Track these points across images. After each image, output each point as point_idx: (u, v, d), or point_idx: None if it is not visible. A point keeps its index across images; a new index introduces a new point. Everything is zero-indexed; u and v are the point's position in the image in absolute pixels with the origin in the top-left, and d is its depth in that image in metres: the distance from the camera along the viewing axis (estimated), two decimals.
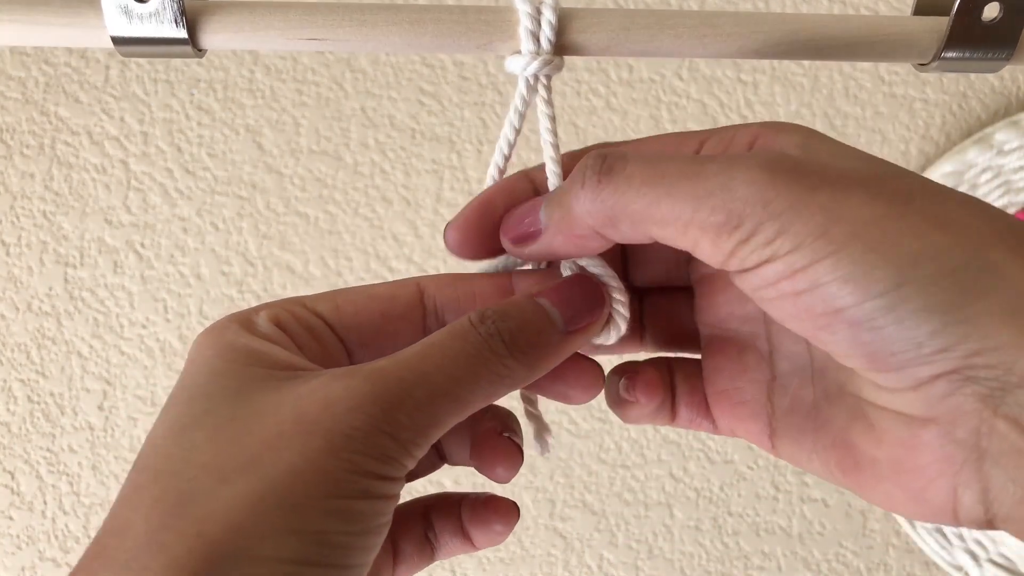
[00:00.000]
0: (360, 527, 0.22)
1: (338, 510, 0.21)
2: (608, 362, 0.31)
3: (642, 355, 0.32)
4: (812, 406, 0.27)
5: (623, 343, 0.30)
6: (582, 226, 0.25)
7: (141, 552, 0.20)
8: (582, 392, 0.28)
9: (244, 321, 0.25)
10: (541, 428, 0.31)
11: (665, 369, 0.30)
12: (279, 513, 0.20)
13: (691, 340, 0.31)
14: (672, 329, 0.31)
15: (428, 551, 0.29)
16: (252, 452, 0.21)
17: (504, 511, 0.29)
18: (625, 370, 0.30)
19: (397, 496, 0.23)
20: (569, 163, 0.28)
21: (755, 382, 0.28)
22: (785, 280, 0.22)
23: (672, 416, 0.30)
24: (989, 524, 0.22)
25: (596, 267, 0.28)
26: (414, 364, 0.23)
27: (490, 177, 0.30)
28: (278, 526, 0.20)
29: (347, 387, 0.22)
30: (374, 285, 0.28)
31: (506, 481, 0.29)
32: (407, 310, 0.27)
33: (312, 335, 0.26)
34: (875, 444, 0.24)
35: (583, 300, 0.27)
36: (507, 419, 0.30)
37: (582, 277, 0.28)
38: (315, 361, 0.25)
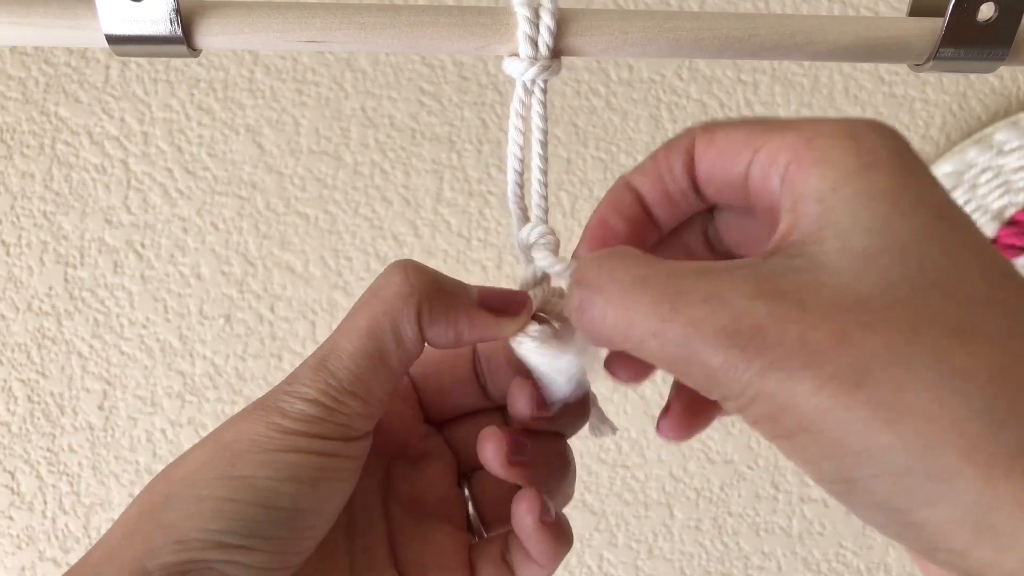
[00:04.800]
0: (285, 474, 0.26)
1: (263, 461, 0.26)
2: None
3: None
4: None
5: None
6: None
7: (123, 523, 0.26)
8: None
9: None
10: (600, 418, 0.33)
11: None
12: (218, 463, 0.26)
13: None
14: None
15: (506, 574, 0.31)
16: (213, 435, 0.27)
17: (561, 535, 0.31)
18: None
19: (339, 455, 0.27)
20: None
21: None
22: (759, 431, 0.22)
23: None
24: None
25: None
26: (333, 335, 0.28)
27: (511, 183, 0.30)
28: (216, 472, 0.26)
29: (291, 377, 0.28)
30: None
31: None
32: (463, 362, 0.33)
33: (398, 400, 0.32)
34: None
35: (504, 294, 0.29)
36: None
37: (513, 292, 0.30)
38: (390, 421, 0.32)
